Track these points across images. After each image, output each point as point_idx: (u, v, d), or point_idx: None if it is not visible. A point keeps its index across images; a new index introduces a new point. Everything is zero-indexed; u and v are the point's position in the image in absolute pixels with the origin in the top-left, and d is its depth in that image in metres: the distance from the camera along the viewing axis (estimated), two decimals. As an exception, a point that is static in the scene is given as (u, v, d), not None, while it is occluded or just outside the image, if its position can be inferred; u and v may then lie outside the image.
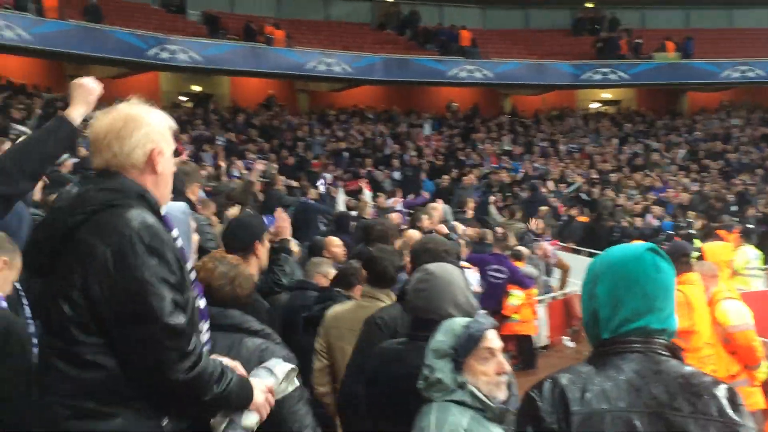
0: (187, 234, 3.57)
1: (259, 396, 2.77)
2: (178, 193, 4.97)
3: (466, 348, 3.10)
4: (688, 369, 2.27)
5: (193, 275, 2.79)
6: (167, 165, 2.78)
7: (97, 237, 2.54)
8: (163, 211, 2.74)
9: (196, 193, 5.97)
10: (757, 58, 31.37)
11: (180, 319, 2.53)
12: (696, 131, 30.41)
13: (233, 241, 4.23)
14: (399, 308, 4.25)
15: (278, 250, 5.44)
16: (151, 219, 2.60)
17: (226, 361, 2.81)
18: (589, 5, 34.30)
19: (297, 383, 3.00)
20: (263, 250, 4.37)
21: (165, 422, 2.59)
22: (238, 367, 2.83)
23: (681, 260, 6.04)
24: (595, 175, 24.78)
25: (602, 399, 2.20)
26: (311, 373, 5.15)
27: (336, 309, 5.13)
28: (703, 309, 6.17)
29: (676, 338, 5.75)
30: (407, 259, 4.98)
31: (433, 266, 3.69)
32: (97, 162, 2.72)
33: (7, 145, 10.71)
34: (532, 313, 12.02)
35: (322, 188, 18.12)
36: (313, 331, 5.23)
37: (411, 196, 19.35)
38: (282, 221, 5.41)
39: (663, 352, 2.29)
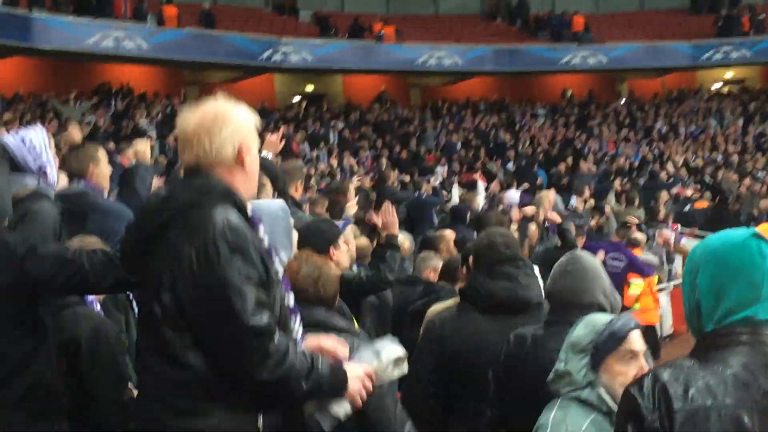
0: (286, 230, 3.58)
1: (354, 384, 2.72)
2: (281, 192, 5.04)
3: (606, 346, 2.96)
4: (800, 361, 2.13)
5: (281, 272, 2.78)
6: (254, 161, 2.79)
7: (183, 238, 2.57)
8: (249, 208, 2.75)
9: (299, 191, 6.02)
10: None
11: (263, 319, 2.53)
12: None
13: (308, 247, 4.22)
14: (453, 311, 4.14)
15: (385, 246, 5.42)
16: (235, 218, 2.60)
17: (325, 341, 2.80)
18: (708, -18, 33.09)
19: (405, 370, 2.93)
20: (339, 254, 4.35)
21: (260, 420, 2.59)
22: (337, 348, 2.81)
23: None
24: (719, 158, 23.92)
25: (707, 395, 2.08)
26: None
27: (437, 307, 5.08)
28: None
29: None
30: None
31: (580, 252, 3.66)
32: (187, 158, 2.74)
33: (129, 153, 11.10)
34: (653, 302, 11.66)
35: (435, 182, 18.10)
36: (418, 325, 5.19)
37: (525, 185, 19.10)
38: (389, 216, 5.36)
39: (772, 344, 2.15)
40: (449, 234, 7.88)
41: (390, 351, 2.87)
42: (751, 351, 2.13)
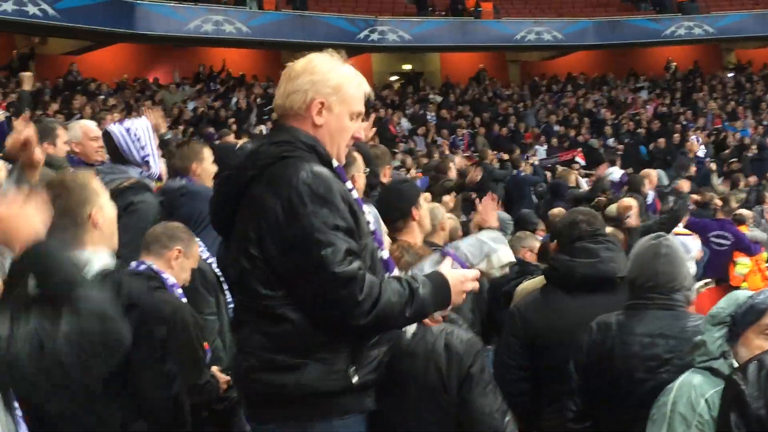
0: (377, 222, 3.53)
1: (458, 296, 2.70)
2: (373, 174, 5.00)
3: (746, 319, 2.90)
4: None
5: (372, 226, 2.74)
6: (333, 122, 2.70)
7: (268, 190, 2.56)
8: (339, 161, 2.72)
9: (387, 175, 5.98)
10: None
11: (353, 266, 2.50)
12: None
13: (390, 210, 4.15)
14: (536, 294, 4.05)
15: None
16: (320, 168, 2.58)
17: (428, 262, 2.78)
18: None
19: (512, 257, 2.89)
20: (421, 214, 4.25)
21: (352, 371, 2.57)
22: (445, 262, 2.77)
23: None
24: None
25: (817, 383, 1.97)
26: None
27: (525, 284, 4.99)
28: None
29: None
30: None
31: (669, 236, 3.58)
32: (276, 100, 2.77)
33: (231, 138, 11.29)
34: (762, 280, 11.26)
35: (535, 161, 17.86)
36: (507, 303, 5.11)
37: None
38: (488, 208, 5.26)
39: None
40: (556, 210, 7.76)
41: (502, 254, 2.84)
42: None
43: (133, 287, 3.06)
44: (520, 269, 5.56)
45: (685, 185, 12.65)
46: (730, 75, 28.95)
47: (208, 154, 5.15)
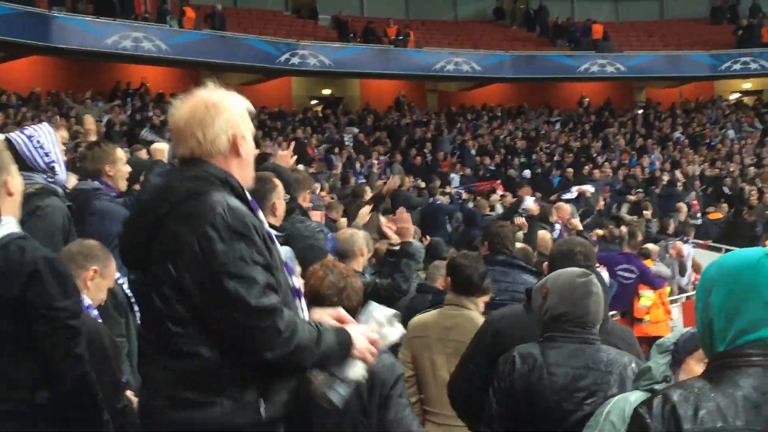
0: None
1: (360, 341, 2.72)
2: (292, 200, 5.02)
3: (687, 346, 3.02)
4: (813, 384, 2.10)
5: (283, 255, 2.78)
6: (249, 149, 2.78)
7: (184, 226, 2.56)
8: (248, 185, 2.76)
9: (307, 200, 6.00)
10: None
11: (272, 299, 2.54)
12: None
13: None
14: (516, 309, 4.12)
15: (400, 254, 5.39)
16: (235, 202, 2.61)
17: (326, 316, 2.79)
18: (729, -8, 32.97)
19: (402, 330, 2.96)
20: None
21: (263, 409, 2.58)
22: (340, 313, 2.82)
23: None
24: (735, 169, 23.78)
25: (717, 417, 2.05)
26: None
27: (420, 318, 5.06)
28: None
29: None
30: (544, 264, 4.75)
31: (594, 274, 3.65)
32: (182, 151, 2.72)
33: (143, 153, 11.12)
34: (664, 314, 11.60)
35: (450, 189, 18.07)
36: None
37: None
38: (404, 222, 5.32)
39: (785, 367, 2.12)
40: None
41: (381, 311, 2.91)
42: (763, 373, 2.09)
43: (38, 250, 2.99)
44: (434, 298, 5.62)
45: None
46: (639, 112, 29.84)
47: (121, 155, 5.08)
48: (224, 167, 2.69)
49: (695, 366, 2.96)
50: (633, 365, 3.41)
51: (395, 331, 2.92)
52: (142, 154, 11.31)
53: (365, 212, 8.03)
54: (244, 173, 2.76)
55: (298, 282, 2.86)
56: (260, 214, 2.73)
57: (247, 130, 2.78)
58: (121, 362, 3.96)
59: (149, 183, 5.76)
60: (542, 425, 3.39)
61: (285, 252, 3.21)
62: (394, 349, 4.98)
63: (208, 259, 2.52)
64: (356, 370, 2.73)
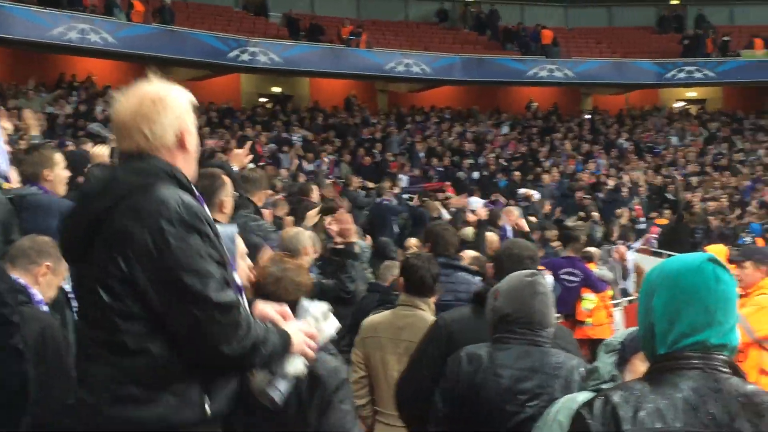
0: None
1: (297, 336, 2.74)
2: (245, 199, 4.99)
3: (633, 346, 3.04)
4: (750, 387, 2.13)
5: (227, 239, 2.78)
6: (194, 142, 2.75)
7: (134, 221, 2.50)
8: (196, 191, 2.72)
9: (262, 200, 5.98)
10: None
11: (229, 294, 2.53)
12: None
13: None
14: (465, 312, 4.12)
15: (344, 254, 5.38)
16: (185, 197, 2.57)
17: (266, 308, 2.80)
18: (675, 2, 33.56)
19: (337, 323, 2.97)
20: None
21: (207, 405, 2.55)
22: (283, 309, 2.83)
23: None
24: (678, 176, 24.20)
25: (656, 418, 2.08)
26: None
27: (373, 318, 5.06)
28: None
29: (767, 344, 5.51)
30: (488, 264, 4.78)
31: (541, 275, 3.68)
32: (127, 145, 2.66)
33: (89, 146, 10.96)
34: (606, 317, 11.75)
35: (399, 190, 18.09)
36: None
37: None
38: (345, 223, 5.32)
39: (723, 369, 2.15)
40: (414, 241, 7.89)
41: (316, 306, 2.92)
42: (702, 375, 2.13)
43: None
44: (382, 297, 5.62)
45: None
46: (587, 117, 30.22)
47: (59, 159, 4.98)
48: (169, 161, 2.65)
49: (641, 365, 2.99)
50: (581, 369, 3.43)
51: (330, 325, 2.93)
52: (88, 147, 11.15)
53: (313, 214, 8.03)
54: (190, 167, 2.73)
55: (239, 279, 2.83)
56: (206, 208, 2.70)
57: (192, 123, 2.75)
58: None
59: (92, 175, 5.66)
60: (485, 426, 3.40)
61: (229, 233, 3.19)
62: (348, 348, 4.99)
63: (163, 254, 2.47)
64: (296, 366, 2.74)
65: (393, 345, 4.77)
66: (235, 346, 2.50)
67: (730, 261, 5.88)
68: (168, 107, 2.66)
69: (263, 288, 3.20)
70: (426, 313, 4.84)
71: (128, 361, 2.49)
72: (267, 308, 2.84)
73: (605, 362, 3.08)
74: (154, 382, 2.49)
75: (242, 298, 2.73)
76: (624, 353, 3.06)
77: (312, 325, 2.85)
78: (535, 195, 18.19)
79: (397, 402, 4.26)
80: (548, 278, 10.52)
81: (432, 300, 5.01)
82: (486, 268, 4.29)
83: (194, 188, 2.69)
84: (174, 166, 2.64)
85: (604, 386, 3.01)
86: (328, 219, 6.31)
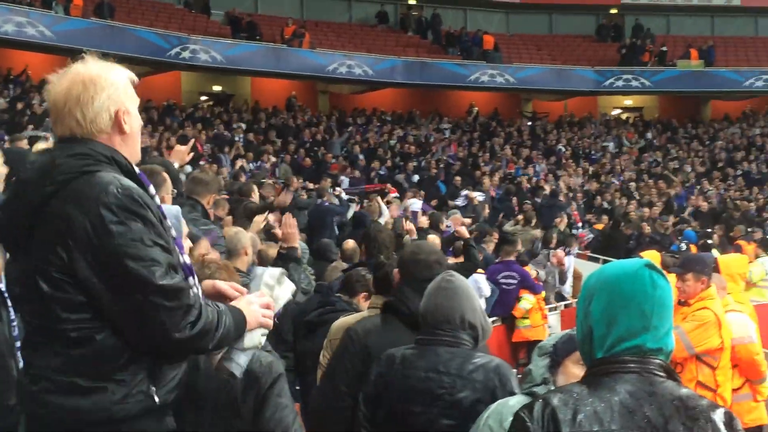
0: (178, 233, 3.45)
1: (251, 311, 2.69)
2: (194, 201, 4.94)
3: (564, 348, 3.09)
4: (684, 391, 2.19)
5: (173, 233, 2.67)
6: (134, 123, 2.66)
7: (74, 207, 2.43)
8: (136, 161, 2.66)
9: (211, 202, 5.94)
10: (781, 67, 31.18)
11: (175, 278, 2.46)
12: (718, 140, 30.18)
13: None
14: (377, 322, 4.05)
15: (286, 258, 5.37)
16: (127, 181, 2.50)
17: (219, 283, 2.77)
18: (614, 11, 34.14)
19: (292, 286, 2.95)
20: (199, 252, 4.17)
21: (153, 391, 2.50)
22: (234, 285, 2.79)
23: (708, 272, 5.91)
24: (615, 182, 24.60)
25: (594, 421, 2.12)
26: (309, 375, 5.05)
27: (343, 320, 5.05)
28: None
29: (708, 357, 5.62)
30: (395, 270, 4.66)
31: (453, 272, 3.66)
32: (61, 130, 2.59)
33: (23, 144, 10.75)
34: (542, 318, 11.92)
35: (340, 192, 18.07)
36: (312, 336, 5.17)
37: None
38: (289, 227, 5.31)
39: (659, 373, 2.20)
40: (351, 243, 7.89)
41: (269, 273, 2.88)
42: (638, 379, 2.18)
43: None
44: (322, 299, 5.61)
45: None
46: (528, 123, 30.56)
47: None
48: (107, 144, 2.58)
49: (573, 368, 3.05)
50: (503, 371, 3.42)
51: (286, 290, 2.90)
52: (23, 144, 10.95)
53: (260, 220, 8.01)
54: (130, 149, 2.65)
55: (189, 258, 2.76)
56: (151, 188, 2.63)
57: (130, 103, 2.65)
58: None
59: (30, 161, 5.55)
60: (398, 426, 3.42)
61: (174, 211, 3.15)
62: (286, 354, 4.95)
63: (105, 241, 2.41)
64: (254, 338, 2.71)
65: None
66: (187, 331, 2.44)
67: (669, 271, 5.96)
68: (100, 88, 2.57)
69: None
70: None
71: (72, 351, 2.43)
72: (218, 284, 2.80)
73: (538, 365, 3.13)
74: (98, 372, 2.44)
75: (194, 279, 2.68)
76: (556, 356, 3.10)
77: (266, 294, 2.81)
78: (479, 197, 18.34)
79: (313, 416, 4.18)
80: (484, 282, 10.67)
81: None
82: (393, 275, 4.21)
83: (136, 171, 2.62)
84: (114, 150, 2.57)
85: (536, 389, 3.06)
86: (272, 217, 6.28)
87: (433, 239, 9.11)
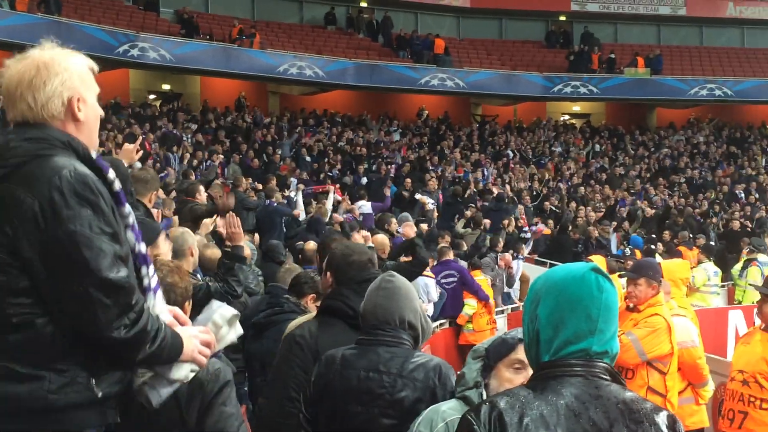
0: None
1: (190, 343, 2.62)
2: (135, 200, 4.87)
3: (497, 352, 3.06)
4: (629, 394, 2.21)
5: (131, 219, 2.61)
6: (90, 112, 2.61)
7: (24, 190, 2.38)
8: (94, 154, 2.59)
9: (152, 201, 5.86)
10: (725, 77, 31.79)
11: (121, 273, 2.41)
12: (664, 147, 30.68)
13: None
14: (316, 324, 3.98)
15: (232, 258, 5.33)
16: (81, 167, 2.45)
17: (167, 309, 2.67)
18: (563, 18, 34.53)
19: (240, 331, 2.88)
20: (160, 254, 4.10)
21: (94, 383, 2.44)
22: (177, 312, 2.71)
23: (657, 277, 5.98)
24: (562, 187, 24.86)
25: (540, 424, 2.13)
26: (257, 377, 5.02)
27: (297, 321, 5.03)
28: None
29: (659, 363, 5.69)
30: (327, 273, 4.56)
31: (395, 273, 3.63)
32: (13, 115, 2.54)
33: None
34: (489, 323, 11.99)
35: (290, 193, 18.00)
36: (260, 337, 5.14)
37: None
38: (234, 227, 5.28)
39: (604, 377, 2.22)
40: (313, 244, 7.87)
41: (222, 311, 2.81)
42: (584, 382, 2.20)
43: None
44: (271, 301, 5.59)
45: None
46: (476, 126, 30.75)
47: None
48: (64, 131, 2.53)
49: (505, 372, 3.05)
50: (443, 370, 3.42)
51: (234, 332, 2.84)
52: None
53: (208, 223, 7.95)
54: (85, 138, 2.59)
55: (144, 247, 2.68)
56: (110, 173, 2.57)
57: (87, 90, 2.61)
58: None
59: None
60: (334, 426, 3.41)
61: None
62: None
63: (52, 225, 2.36)
64: (181, 372, 2.63)
65: None
66: (120, 332, 2.38)
67: (621, 276, 6.03)
68: (54, 73, 2.53)
69: None
70: None
71: (11, 336, 2.38)
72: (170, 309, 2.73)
73: (471, 369, 3.11)
74: (39, 359, 2.38)
75: (147, 269, 2.62)
76: (489, 360, 3.09)
77: (212, 331, 2.74)
78: (430, 203, 18.39)
79: (266, 425, 4.11)
80: (431, 283, 10.68)
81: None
82: (322, 279, 4.15)
83: (94, 155, 2.56)
84: (70, 136, 2.52)
85: (468, 393, 3.05)
86: (219, 221, 6.21)
87: (383, 239, 9.09)
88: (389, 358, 3.41)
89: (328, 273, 4.08)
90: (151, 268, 2.65)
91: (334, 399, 3.41)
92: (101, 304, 2.37)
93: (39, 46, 2.59)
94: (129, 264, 2.50)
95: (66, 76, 2.55)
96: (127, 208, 2.61)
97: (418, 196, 18.58)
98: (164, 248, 4.12)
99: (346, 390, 3.38)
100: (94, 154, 2.57)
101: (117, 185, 2.57)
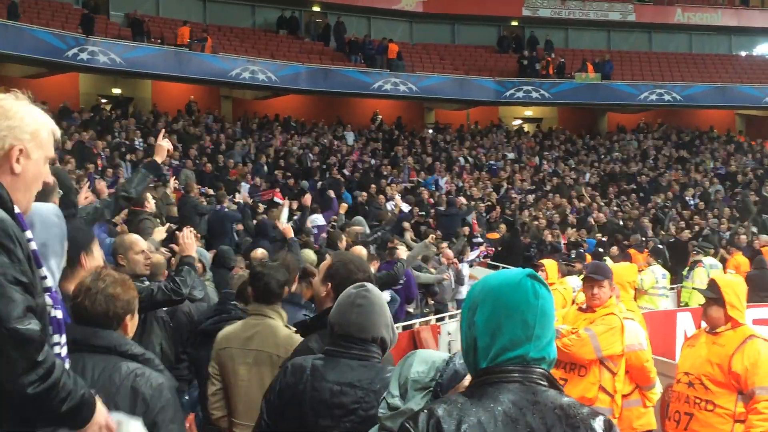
0: (59, 237, 3.29)
1: (99, 419, 2.49)
2: (66, 196, 4.80)
3: (450, 383, 2.92)
4: (566, 400, 2.22)
5: (49, 282, 2.54)
6: (31, 169, 2.52)
7: None
8: (26, 212, 2.52)
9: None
10: (674, 81, 32.28)
11: (31, 325, 2.28)
12: (614, 151, 31.04)
13: None
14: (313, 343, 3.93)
15: (181, 261, 5.30)
16: (2, 213, 2.36)
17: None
18: (515, 23, 34.80)
19: None
20: (91, 260, 4.05)
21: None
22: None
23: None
24: (513, 192, 25.02)
25: (478, 431, 2.13)
26: (205, 384, 4.99)
27: (227, 329, 4.99)
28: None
29: (610, 362, 5.73)
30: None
31: (370, 286, 3.56)
32: None
33: None
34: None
35: (240, 198, 17.91)
36: (206, 343, 5.11)
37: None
38: (187, 238, 5.24)
39: (541, 382, 2.22)
40: (261, 252, 7.85)
41: (136, 426, 2.68)
42: (521, 388, 2.20)
43: None
44: (218, 307, 5.55)
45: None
46: (429, 131, 30.85)
47: None
48: None
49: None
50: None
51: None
52: None
53: (162, 230, 7.90)
54: (19, 194, 2.49)
55: (61, 314, 2.59)
56: (28, 233, 2.48)
57: (37, 148, 2.52)
58: None
59: None
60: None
61: (51, 209, 3.01)
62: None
63: None
64: None
65: (242, 355, 4.70)
66: (30, 389, 2.27)
67: (585, 278, 6.08)
68: (5, 117, 2.46)
69: (74, 299, 3.04)
70: (275, 321, 4.78)
71: None
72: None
73: (419, 403, 2.89)
74: None
75: (60, 336, 2.53)
76: (441, 390, 2.91)
77: (116, 426, 2.59)
78: (404, 207, 18.39)
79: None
80: (386, 294, 10.71)
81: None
82: (318, 288, 4.11)
83: (16, 210, 2.46)
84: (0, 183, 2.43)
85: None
86: (165, 228, 6.17)
87: (360, 250, 8.95)
88: (361, 372, 3.35)
89: (329, 284, 4.04)
90: (64, 337, 2.56)
91: (302, 410, 3.34)
92: (7, 356, 2.25)
93: (12, 92, 2.52)
94: (44, 319, 2.40)
95: (16, 124, 2.48)
96: (44, 271, 2.53)
97: (392, 201, 18.63)
98: (97, 254, 4.04)
99: (318, 402, 3.31)
100: (17, 210, 2.47)
101: (33, 245, 2.49)
